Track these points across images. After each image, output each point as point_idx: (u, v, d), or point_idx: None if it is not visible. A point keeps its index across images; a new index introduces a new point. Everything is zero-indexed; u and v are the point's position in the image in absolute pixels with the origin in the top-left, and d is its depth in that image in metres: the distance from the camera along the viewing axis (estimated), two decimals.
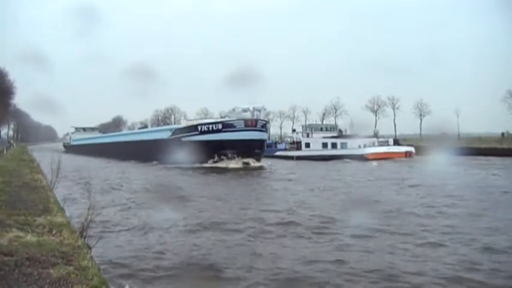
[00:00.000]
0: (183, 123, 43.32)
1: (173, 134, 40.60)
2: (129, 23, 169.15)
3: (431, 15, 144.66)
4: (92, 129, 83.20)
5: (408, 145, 50.22)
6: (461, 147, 46.19)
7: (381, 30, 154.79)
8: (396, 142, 51.23)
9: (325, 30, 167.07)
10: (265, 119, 41.57)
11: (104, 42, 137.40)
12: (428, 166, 28.16)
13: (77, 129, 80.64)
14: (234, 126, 36.70)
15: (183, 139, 37.84)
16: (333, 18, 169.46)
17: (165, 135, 41.61)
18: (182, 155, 32.74)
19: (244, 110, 38.82)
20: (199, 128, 38.06)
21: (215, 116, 50.23)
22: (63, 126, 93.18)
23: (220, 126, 37.14)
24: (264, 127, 39.25)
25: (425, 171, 27.58)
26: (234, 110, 39.92)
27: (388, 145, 48.13)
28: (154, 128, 64.95)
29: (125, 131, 75.40)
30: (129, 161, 42.76)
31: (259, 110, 38.99)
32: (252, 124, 37.06)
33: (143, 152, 41.72)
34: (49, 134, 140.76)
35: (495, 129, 71.97)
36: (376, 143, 47.95)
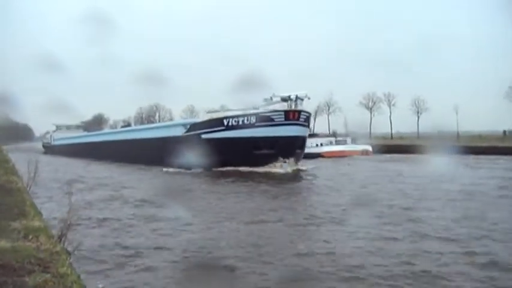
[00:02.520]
0: (203, 116, 36.50)
1: (189, 130, 34.79)
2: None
3: (429, 8, 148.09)
4: (77, 127, 79.31)
5: (366, 143, 56.72)
6: (459, 146, 46.25)
7: (377, 24, 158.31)
8: (354, 141, 55.97)
9: (316, 25, 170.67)
10: (308, 111, 35.38)
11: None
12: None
13: (59, 127, 77.14)
14: (272, 120, 31.16)
15: (204, 136, 32.42)
16: (324, 14, 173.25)
17: (178, 131, 35.78)
18: (202, 157, 27.39)
19: (284, 99, 33.19)
20: (225, 121, 32.19)
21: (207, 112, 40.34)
22: (39, 125, 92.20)
23: (253, 119, 31.45)
24: (307, 121, 34.13)
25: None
26: (271, 98, 34.00)
27: (345, 144, 53.78)
28: (162, 124, 59.27)
29: (122, 128, 69.74)
30: (128, 164, 38.03)
31: (302, 99, 33.02)
32: (294, 117, 31.60)
33: (148, 153, 36.50)
34: (25, 133, 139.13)
35: (497, 126, 72.72)
36: (334, 142, 53.53)
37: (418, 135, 77.26)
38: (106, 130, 74.81)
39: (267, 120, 31.16)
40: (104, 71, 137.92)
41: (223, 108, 38.44)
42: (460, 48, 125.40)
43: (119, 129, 68.74)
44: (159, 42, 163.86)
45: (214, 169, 28.92)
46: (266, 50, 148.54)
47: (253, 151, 29.87)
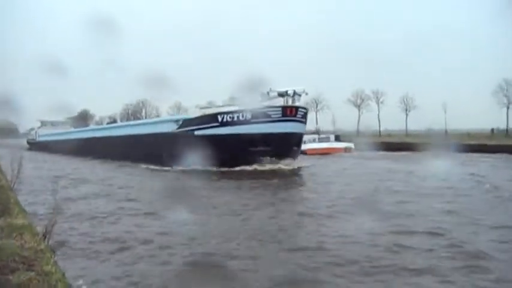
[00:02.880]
0: (196, 112, 35.16)
1: (181, 126, 33.77)
2: None
3: (417, 5, 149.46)
4: (63, 123, 77.57)
5: (349, 141, 56.85)
6: (449, 143, 49.08)
7: (366, 20, 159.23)
8: (337, 138, 56.14)
9: (302, 18, 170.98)
10: (305, 107, 34.98)
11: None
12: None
13: (44, 123, 76.14)
14: (269, 116, 30.19)
15: (197, 132, 31.45)
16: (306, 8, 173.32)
17: (169, 127, 34.67)
18: (196, 155, 26.79)
19: (281, 94, 32.18)
20: (219, 118, 31.27)
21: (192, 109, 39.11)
22: (24, 121, 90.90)
23: (249, 115, 30.46)
24: (305, 117, 33.06)
25: None
26: (268, 93, 32.43)
27: (328, 141, 53.89)
28: (153, 120, 57.32)
29: (110, 125, 68.66)
30: (115, 161, 37.43)
31: (300, 95, 32.48)
32: (291, 113, 30.81)
33: (137, 150, 36.00)
34: (9, 130, 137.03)
35: (485, 125, 73.28)
36: (317, 139, 53.84)
37: (407, 133, 77.98)
38: (92, 126, 73.03)
39: (263, 116, 30.23)
40: (91, 67, 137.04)
41: (211, 105, 37.40)
42: (449, 44, 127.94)
43: (106, 125, 67.85)
44: (147, 37, 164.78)
45: (209, 168, 27.78)
46: (254, 44, 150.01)
47: (249, 148, 29.15)
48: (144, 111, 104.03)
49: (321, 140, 53.27)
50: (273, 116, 30.14)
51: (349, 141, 55.14)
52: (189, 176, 27.12)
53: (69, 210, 14.19)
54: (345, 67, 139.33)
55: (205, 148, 26.56)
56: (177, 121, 35.13)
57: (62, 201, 12.70)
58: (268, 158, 29.47)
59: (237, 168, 28.65)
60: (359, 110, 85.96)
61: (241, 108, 31.44)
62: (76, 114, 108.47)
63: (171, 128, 34.25)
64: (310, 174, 27.79)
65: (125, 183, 23.85)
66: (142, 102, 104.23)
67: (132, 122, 57.86)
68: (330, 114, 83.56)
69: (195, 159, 27.29)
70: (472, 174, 24.23)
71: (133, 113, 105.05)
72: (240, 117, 30.48)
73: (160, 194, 18.38)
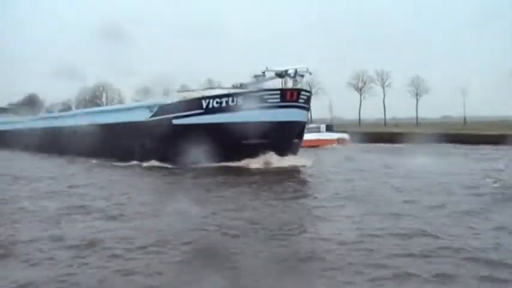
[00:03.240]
0: (174, 97, 33.31)
1: (156, 113, 32.03)
2: None
3: None
4: (3, 109, 74.58)
5: (342, 131, 55.63)
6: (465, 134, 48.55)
7: None
8: (329, 128, 55.99)
9: None
10: (308, 89, 32.45)
11: None
12: None
13: None
14: (265, 101, 28.70)
15: (176, 121, 29.93)
16: None
17: (141, 115, 32.91)
18: (174, 149, 25.98)
19: (280, 75, 30.59)
20: (204, 103, 29.56)
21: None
22: None
23: (241, 100, 28.92)
24: (308, 102, 31.18)
25: None
26: (263, 73, 31.18)
27: (318, 131, 53.45)
28: (121, 106, 53.95)
29: (63, 112, 62.65)
30: (71, 155, 36.46)
31: (303, 75, 30.77)
32: (292, 97, 29.21)
33: (102, 142, 33.88)
34: None
35: (505, 112, 71.25)
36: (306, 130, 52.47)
37: (417, 122, 76.55)
38: (43, 114, 70.24)
39: (258, 101, 28.78)
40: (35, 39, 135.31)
41: (183, 88, 36.35)
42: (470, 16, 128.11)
43: (59, 113, 66.04)
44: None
45: (190, 165, 26.60)
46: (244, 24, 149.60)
47: (241, 141, 27.54)
48: (104, 96, 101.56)
49: (309, 131, 49.10)
50: (270, 100, 28.95)
51: (343, 131, 55.16)
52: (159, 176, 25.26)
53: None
54: (345, 45, 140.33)
55: (185, 141, 25.82)
56: (150, 107, 33.56)
57: None
58: (265, 152, 28.18)
59: (230, 164, 27.46)
60: (360, 95, 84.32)
61: (231, 91, 30.23)
62: (21, 99, 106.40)
63: (144, 116, 32.82)
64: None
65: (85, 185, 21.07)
66: (102, 85, 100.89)
67: (93, 109, 55.08)
68: (327, 99, 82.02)
69: (173, 153, 26.57)
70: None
71: (91, 99, 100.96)
72: (230, 103, 29.13)
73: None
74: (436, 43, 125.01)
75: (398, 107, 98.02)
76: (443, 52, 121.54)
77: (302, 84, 31.28)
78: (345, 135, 53.98)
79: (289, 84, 30.48)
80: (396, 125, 71.83)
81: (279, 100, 28.90)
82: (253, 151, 27.83)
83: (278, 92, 29.24)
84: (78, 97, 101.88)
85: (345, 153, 38.60)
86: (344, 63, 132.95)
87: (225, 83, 32.67)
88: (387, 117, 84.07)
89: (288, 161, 28.67)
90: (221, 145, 26.27)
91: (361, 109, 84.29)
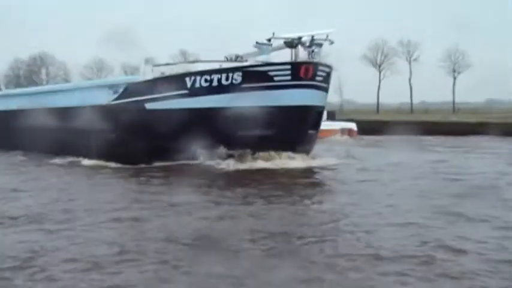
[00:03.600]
0: (147, 72, 30.72)
1: (122, 95, 30.12)
2: None
3: None
4: None
5: (348, 120, 52.80)
6: None
7: None
8: (331, 116, 53.25)
9: None
10: (328, 64, 30.16)
11: None
12: None
13: None
14: (270, 78, 26.99)
15: (150, 106, 28.20)
16: None
17: (102, 97, 31.10)
18: (147, 143, 25.05)
19: (290, 44, 28.66)
20: (188, 81, 27.81)
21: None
22: None
23: (239, 77, 27.18)
24: (327, 81, 29.37)
25: None
26: (269, 41, 29.32)
27: None
28: (74, 85, 50.77)
29: None
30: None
31: (321, 44, 28.50)
32: (307, 73, 27.20)
33: (46, 133, 31.90)
34: None
35: None
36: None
37: (454, 108, 70.79)
38: None
39: (261, 79, 26.86)
40: None
41: (148, 62, 34.30)
42: None
43: None
44: None
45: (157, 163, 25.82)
46: None
47: (237, 132, 25.71)
48: (44, 70, 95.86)
49: None
50: (277, 78, 27.15)
51: (350, 119, 52.11)
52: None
53: None
54: (361, 5, 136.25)
55: (163, 132, 25.02)
56: (114, 87, 31.59)
57: None
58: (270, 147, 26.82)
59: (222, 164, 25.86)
60: (380, 72, 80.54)
61: (224, 65, 28.42)
62: None
63: (104, 98, 30.98)
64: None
65: None
66: (40, 57, 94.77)
67: (29, 90, 51.28)
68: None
69: (146, 151, 25.87)
70: None
71: (27, 74, 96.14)
72: (223, 81, 27.38)
73: None
74: (480, 5, 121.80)
75: (429, 89, 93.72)
76: (489, 17, 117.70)
77: (320, 56, 29.16)
78: (352, 125, 52.36)
79: (303, 56, 28.76)
80: (426, 112, 67.81)
81: (289, 77, 27.47)
82: (253, 146, 26.61)
83: (288, 66, 27.60)
84: (7, 73, 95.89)
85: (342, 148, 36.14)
86: (359, 29, 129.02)
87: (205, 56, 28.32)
88: (414, 101, 75.58)
89: (300, 159, 27.48)
90: (211, 138, 25.56)
91: (381, 91, 77.23)
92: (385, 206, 15.62)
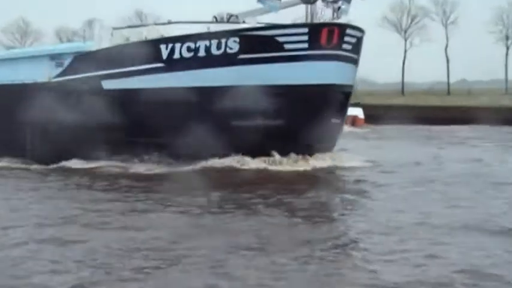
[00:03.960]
0: (104, 38, 29.65)
1: (68, 69, 28.37)
2: None
3: None
4: None
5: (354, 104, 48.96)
6: None
7: None
8: None
9: None
10: (358, 26, 28.67)
11: None
12: None
13: None
14: (280, 46, 25.36)
15: (108, 84, 26.62)
16: None
17: (39, 72, 29.38)
18: (105, 134, 23.41)
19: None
20: (164, 50, 26.11)
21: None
22: None
23: (235, 44, 25.40)
24: (357, 49, 27.70)
25: None
26: None
27: None
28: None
29: None
30: None
31: (349, 1, 26.42)
32: (330, 39, 25.34)
33: None
34: None
35: None
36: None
37: (507, 89, 67.46)
38: None
39: (265, 47, 25.24)
40: None
41: (103, 25, 29.36)
42: None
43: None
44: None
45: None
46: None
47: (231, 121, 24.13)
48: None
49: None
50: (288, 46, 24.82)
51: (357, 104, 49.14)
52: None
53: None
54: None
55: (128, 120, 23.84)
56: (57, 57, 29.05)
57: None
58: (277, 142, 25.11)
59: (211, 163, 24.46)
60: (405, 40, 74.83)
61: (212, 28, 26.38)
62: None
63: (44, 73, 28.74)
64: None
65: None
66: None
67: None
68: None
69: (104, 145, 24.36)
70: None
71: None
72: (214, 50, 25.04)
73: None
74: None
75: (472, 63, 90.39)
76: None
77: (347, 16, 27.42)
78: (358, 112, 50.94)
79: (325, 15, 27.82)
80: (469, 94, 64.95)
81: (306, 45, 25.36)
82: (253, 139, 24.79)
83: (305, 29, 25.57)
84: None
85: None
86: None
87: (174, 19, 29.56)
88: (452, 80, 67.86)
89: (320, 157, 26.36)
90: (196, 128, 23.78)
91: (407, 66, 69.62)
92: None
